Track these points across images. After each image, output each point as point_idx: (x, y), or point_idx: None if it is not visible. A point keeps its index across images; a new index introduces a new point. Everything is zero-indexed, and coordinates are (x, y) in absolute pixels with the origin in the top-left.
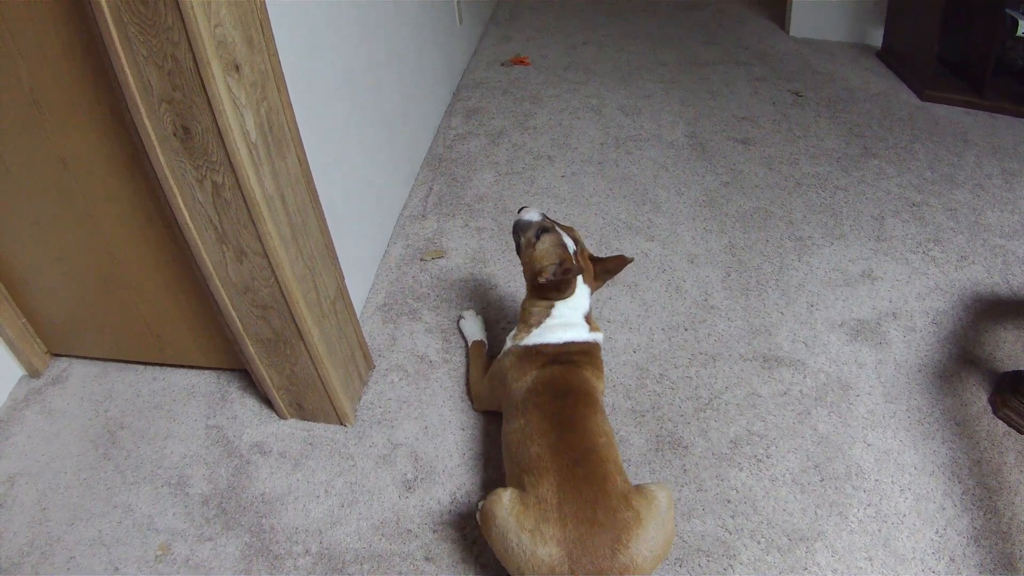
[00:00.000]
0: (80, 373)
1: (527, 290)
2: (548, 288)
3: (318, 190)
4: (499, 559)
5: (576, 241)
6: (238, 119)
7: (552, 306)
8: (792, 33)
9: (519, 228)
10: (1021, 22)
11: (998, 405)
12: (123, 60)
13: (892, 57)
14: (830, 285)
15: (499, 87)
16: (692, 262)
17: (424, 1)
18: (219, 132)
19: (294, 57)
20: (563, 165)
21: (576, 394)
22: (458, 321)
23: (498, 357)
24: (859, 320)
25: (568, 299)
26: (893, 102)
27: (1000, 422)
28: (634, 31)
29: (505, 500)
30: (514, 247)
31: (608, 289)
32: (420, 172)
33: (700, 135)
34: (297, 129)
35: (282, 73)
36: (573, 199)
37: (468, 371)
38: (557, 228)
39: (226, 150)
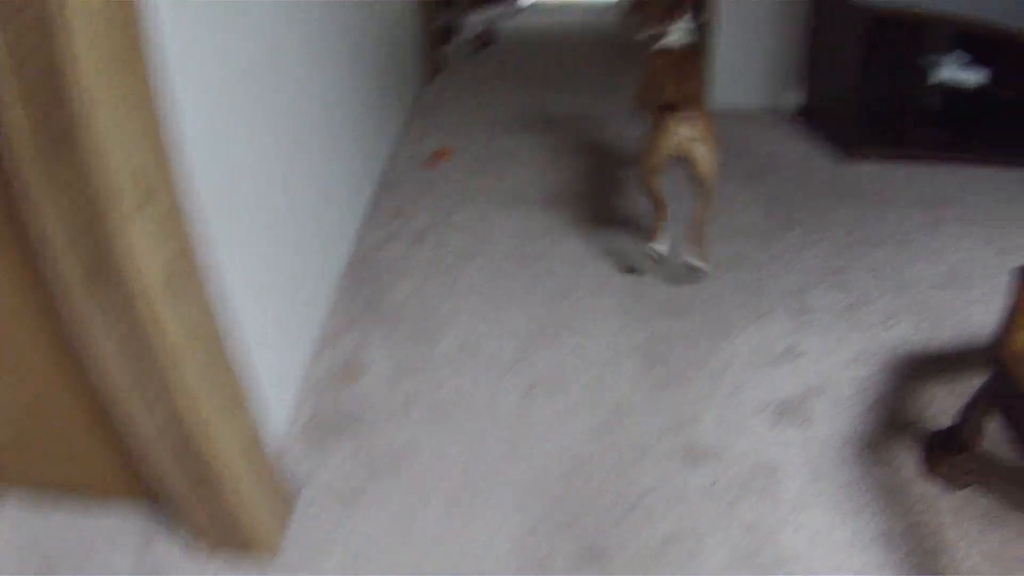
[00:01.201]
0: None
1: None
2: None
3: (235, 313)
4: None
5: None
6: (146, 260)
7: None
8: (715, 103)
9: None
10: (939, 69)
11: (932, 466)
12: (32, 196)
13: (813, 118)
14: (753, 367)
15: (422, 183)
16: (613, 358)
17: (341, 99)
18: (128, 275)
19: (206, 179)
20: (485, 264)
21: None
22: None
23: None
24: (784, 400)
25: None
26: (814, 165)
27: (933, 482)
28: (557, 113)
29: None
30: None
31: (529, 391)
32: (344, 280)
33: None
34: (206, 265)
35: (189, 209)
36: (494, 300)
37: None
38: None
39: (136, 293)
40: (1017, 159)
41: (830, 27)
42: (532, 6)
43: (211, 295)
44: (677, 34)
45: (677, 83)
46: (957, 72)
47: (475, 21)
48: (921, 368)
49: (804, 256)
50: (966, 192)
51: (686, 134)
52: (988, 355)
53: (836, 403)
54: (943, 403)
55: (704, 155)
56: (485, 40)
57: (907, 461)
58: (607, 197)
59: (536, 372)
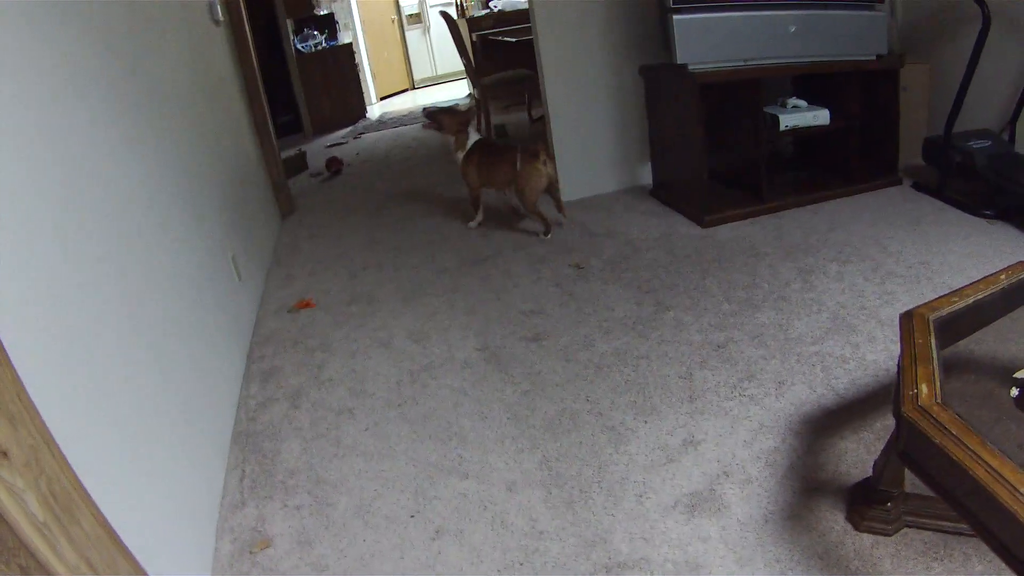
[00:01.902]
0: None
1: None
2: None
3: (125, 518)
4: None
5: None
6: (20, 505)
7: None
8: (565, 198)
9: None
10: (782, 116)
11: (857, 521)
12: None
13: (665, 192)
14: (654, 468)
15: (289, 338)
16: (511, 490)
17: (196, 269)
18: (7, 522)
19: (64, 386)
20: (364, 416)
21: None
22: None
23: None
24: (691, 494)
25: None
26: (676, 241)
27: (865, 535)
28: (411, 241)
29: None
30: None
31: (435, 541)
32: (230, 453)
33: (491, 345)
34: (84, 488)
35: (51, 437)
36: (380, 452)
37: None
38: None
39: (18, 537)
40: (869, 182)
41: (663, 102)
42: (374, 123)
43: (97, 517)
44: (473, 136)
45: (520, 151)
46: (800, 116)
47: (321, 150)
48: (824, 427)
49: (683, 338)
50: (833, 230)
51: (550, 170)
52: (894, 412)
53: (746, 483)
54: (855, 455)
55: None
56: (333, 169)
57: (833, 521)
58: (477, 307)
59: (437, 521)
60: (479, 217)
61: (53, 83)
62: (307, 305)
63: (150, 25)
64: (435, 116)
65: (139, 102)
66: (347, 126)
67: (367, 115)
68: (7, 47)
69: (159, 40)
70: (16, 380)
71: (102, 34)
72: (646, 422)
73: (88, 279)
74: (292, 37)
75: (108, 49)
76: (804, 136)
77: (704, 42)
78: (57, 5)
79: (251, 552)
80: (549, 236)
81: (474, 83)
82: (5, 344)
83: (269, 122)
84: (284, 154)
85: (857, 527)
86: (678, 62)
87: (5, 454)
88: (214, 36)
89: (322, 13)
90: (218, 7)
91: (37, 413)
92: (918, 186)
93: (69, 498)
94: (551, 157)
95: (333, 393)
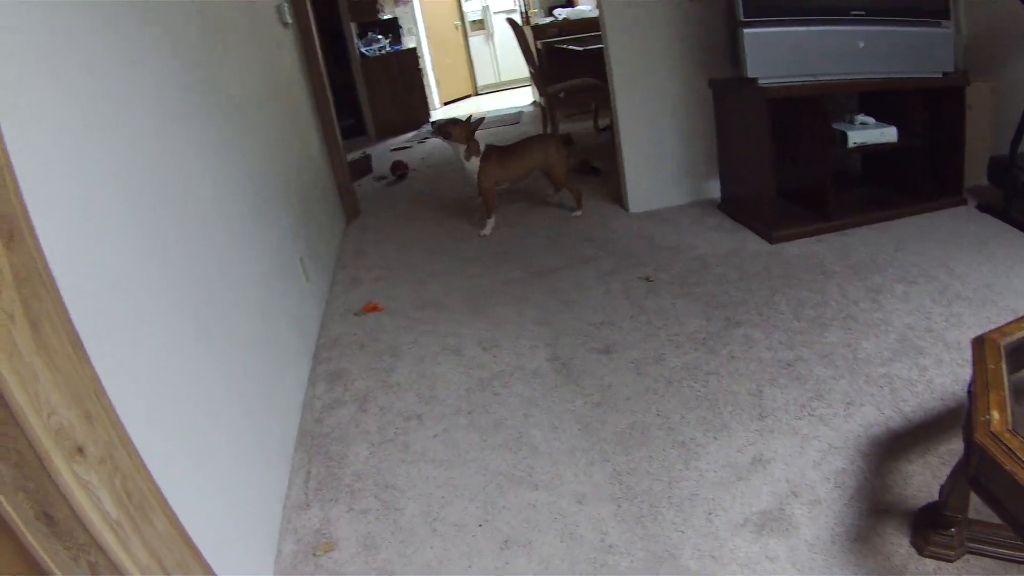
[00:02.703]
0: None
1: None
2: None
3: (190, 517)
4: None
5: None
6: (94, 502)
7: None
8: (632, 210)
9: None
10: (850, 133)
11: (921, 546)
12: None
13: (733, 207)
14: (723, 485)
15: (356, 341)
16: (581, 502)
17: (265, 270)
18: (79, 518)
19: (139, 385)
20: (433, 423)
21: None
22: None
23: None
24: (760, 512)
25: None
26: (744, 257)
27: (928, 560)
28: (478, 250)
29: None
30: None
31: (503, 551)
32: (295, 454)
33: (562, 355)
34: (158, 488)
35: (127, 435)
36: (450, 459)
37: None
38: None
39: (90, 533)
40: (934, 202)
41: (732, 116)
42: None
43: (171, 518)
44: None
45: (545, 138)
46: (868, 133)
47: (385, 153)
48: (891, 449)
49: (754, 355)
50: (900, 250)
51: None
52: (964, 437)
53: (814, 504)
54: (921, 479)
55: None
56: (398, 173)
57: (898, 545)
58: (547, 317)
59: (506, 531)
60: (492, 223)
61: (131, 87)
62: (375, 309)
63: (221, 28)
64: (444, 127)
65: (211, 105)
66: (410, 131)
67: (431, 120)
68: (95, 52)
69: (230, 43)
70: (95, 378)
71: (175, 39)
72: (716, 439)
73: (163, 280)
74: (356, 41)
75: (180, 53)
76: (870, 153)
77: (774, 56)
78: (135, 11)
79: (315, 555)
80: (580, 213)
81: (540, 91)
82: (85, 343)
83: (335, 125)
84: (349, 157)
85: (921, 552)
86: (748, 76)
87: (81, 450)
88: (282, 39)
89: (386, 17)
90: (286, 9)
91: (114, 411)
92: (983, 207)
93: (143, 497)
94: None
95: (402, 398)
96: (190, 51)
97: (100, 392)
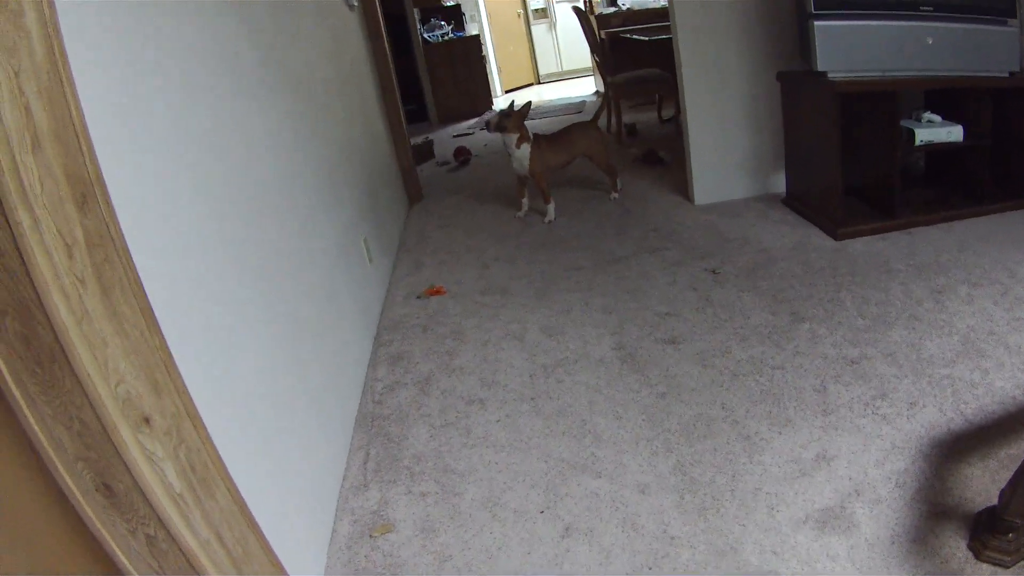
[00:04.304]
0: None
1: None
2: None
3: (254, 488)
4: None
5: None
6: (158, 474)
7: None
8: (698, 202)
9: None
10: (918, 131)
11: (979, 550)
12: (30, 419)
13: (799, 202)
14: (787, 480)
15: (418, 324)
16: (643, 492)
17: (329, 249)
18: (141, 490)
19: (206, 358)
20: (496, 408)
21: None
22: None
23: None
24: (822, 509)
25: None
26: (810, 252)
27: (984, 564)
28: (543, 236)
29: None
30: None
31: (564, 539)
32: (354, 435)
33: (627, 344)
34: (222, 462)
35: (195, 409)
36: (512, 445)
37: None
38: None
39: (151, 505)
40: (999, 203)
41: (800, 110)
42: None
43: (232, 492)
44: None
45: (581, 127)
46: (935, 131)
47: (447, 139)
48: (952, 451)
49: (819, 351)
50: (963, 251)
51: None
52: None
53: (875, 503)
54: (980, 482)
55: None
56: (461, 159)
57: (956, 548)
58: (612, 306)
59: (567, 519)
60: (552, 208)
61: (202, 58)
62: (438, 292)
63: (290, 8)
64: (499, 123)
65: (280, 83)
66: (472, 117)
67: (493, 107)
68: (168, 26)
69: (298, 23)
70: (165, 348)
71: (247, 22)
72: (780, 433)
73: (229, 255)
74: (419, 26)
75: (251, 36)
76: (935, 152)
77: (844, 50)
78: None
79: (371, 535)
80: (617, 195)
81: (604, 80)
82: (157, 314)
83: (400, 108)
84: (412, 141)
85: (978, 556)
86: (817, 69)
87: (147, 420)
88: (348, 22)
89: (449, 4)
90: None
91: (183, 383)
92: None
93: (207, 471)
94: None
95: (464, 382)
96: (260, 27)
97: (169, 362)
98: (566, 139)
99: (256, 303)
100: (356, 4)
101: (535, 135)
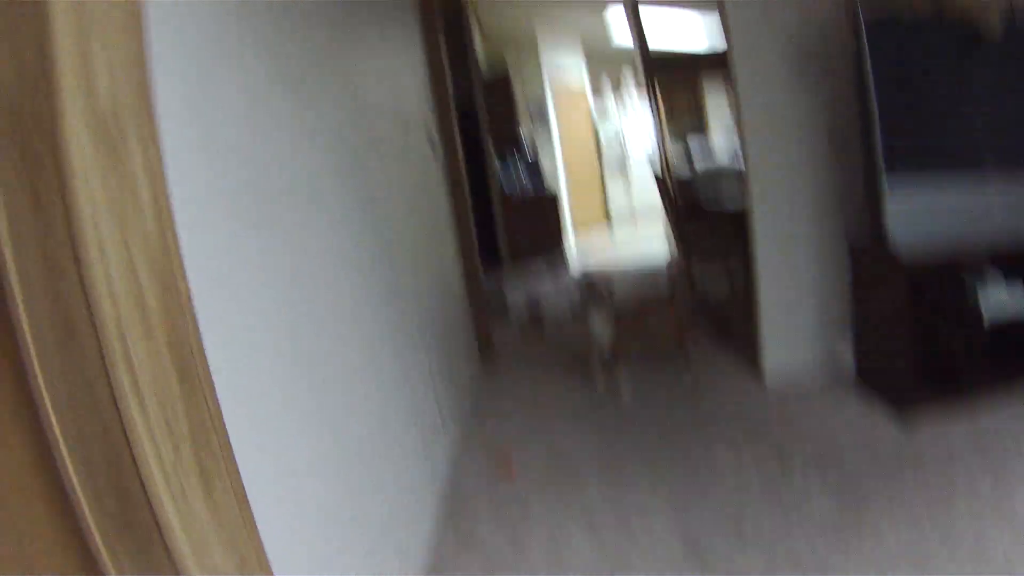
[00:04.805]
0: None
1: None
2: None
3: None
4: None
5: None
6: None
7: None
8: (767, 378)
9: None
10: (990, 304)
11: None
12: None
13: (867, 378)
14: None
15: (488, 499)
16: None
17: (399, 408)
18: None
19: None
20: None
21: None
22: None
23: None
24: None
25: None
26: (878, 439)
27: None
28: (613, 413)
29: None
30: None
31: None
32: None
33: (693, 537)
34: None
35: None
36: None
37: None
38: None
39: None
40: None
41: (869, 282)
42: (581, 277)
43: None
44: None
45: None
46: (1011, 305)
47: (520, 287)
48: None
49: (885, 550)
50: None
51: None
52: None
53: None
54: None
55: None
56: (534, 316)
57: None
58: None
59: None
60: (626, 384)
61: (286, 184)
62: (508, 468)
63: (375, 141)
64: (584, 298)
65: (361, 215)
66: (544, 258)
67: (564, 249)
68: (257, 155)
69: (383, 158)
70: (256, 537)
71: (332, 140)
72: None
73: (304, 399)
74: (495, 163)
75: (336, 155)
76: (1009, 326)
77: (915, 221)
78: (298, 111)
79: None
80: (691, 376)
81: (676, 243)
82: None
83: (476, 254)
84: (485, 293)
85: None
86: (887, 241)
87: None
88: (429, 162)
89: (524, 141)
90: (435, 132)
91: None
92: None
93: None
94: None
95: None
96: (345, 154)
97: (260, 551)
98: (645, 315)
99: (328, 463)
100: (438, 144)
101: (616, 311)
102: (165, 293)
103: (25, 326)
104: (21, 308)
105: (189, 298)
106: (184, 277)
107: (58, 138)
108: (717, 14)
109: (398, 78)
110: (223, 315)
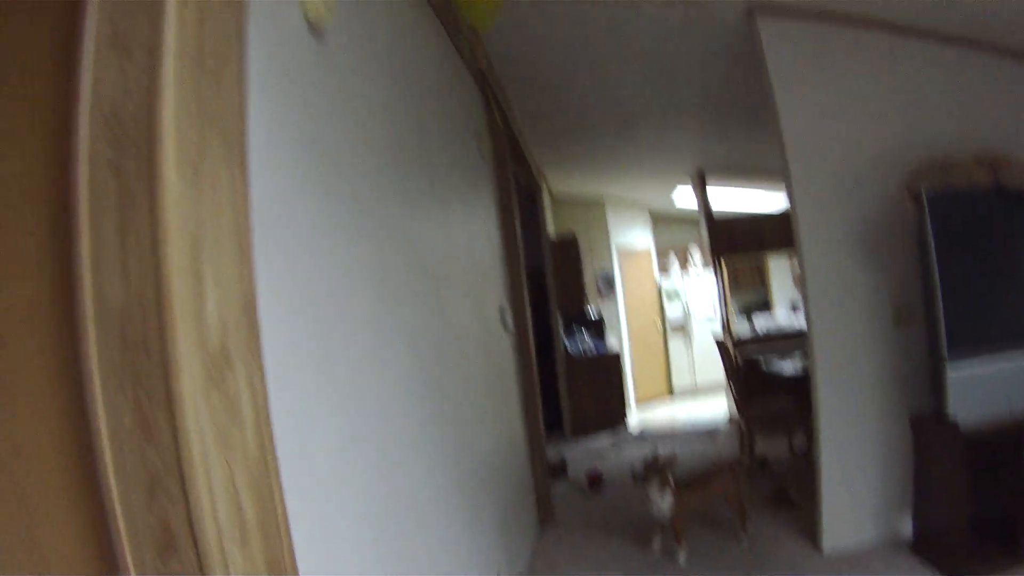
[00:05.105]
0: None
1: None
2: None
3: None
4: None
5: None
6: None
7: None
8: (825, 546)
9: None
10: None
11: None
12: None
13: (925, 548)
14: None
15: None
16: None
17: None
18: None
19: None
20: None
21: None
22: None
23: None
24: None
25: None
26: None
27: None
28: None
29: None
30: None
31: None
32: None
33: None
34: None
35: None
36: None
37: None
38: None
39: None
40: None
41: (929, 452)
42: (635, 436)
43: None
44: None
45: (718, 470)
46: None
47: (581, 455)
48: None
49: None
50: None
51: None
52: None
53: None
54: None
55: None
56: (594, 481)
57: None
58: None
59: None
60: (685, 554)
61: (380, 381)
62: None
63: (461, 337)
64: (647, 475)
65: (442, 398)
66: (607, 430)
67: (627, 421)
68: (360, 370)
69: (463, 350)
70: None
71: (416, 353)
72: None
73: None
74: (562, 335)
75: (422, 362)
76: None
77: (976, 394)
78: (399, 340)
79: None
80: (746, 537)
81: (738, 409)
82: None
83: (540, 422)
84: (545, 461)
85: None
86: (947, 413)
87: None
88: (502, 339)
89: (593, 316)
90: (508, 314)
91: None
92: None
93: None
94: None
95: None
96: (425, 347)
97: None
98: (706, 483)
99: None
100: (511, 326)
101: (676, 482)
102: (263, 512)
103: (125, 540)
104: (121, 521)
105: (286, 517)
106: (282, 498)
107: (169, 364)
108: (784, 191)
109: (481, 255)
110: (312, 532)
